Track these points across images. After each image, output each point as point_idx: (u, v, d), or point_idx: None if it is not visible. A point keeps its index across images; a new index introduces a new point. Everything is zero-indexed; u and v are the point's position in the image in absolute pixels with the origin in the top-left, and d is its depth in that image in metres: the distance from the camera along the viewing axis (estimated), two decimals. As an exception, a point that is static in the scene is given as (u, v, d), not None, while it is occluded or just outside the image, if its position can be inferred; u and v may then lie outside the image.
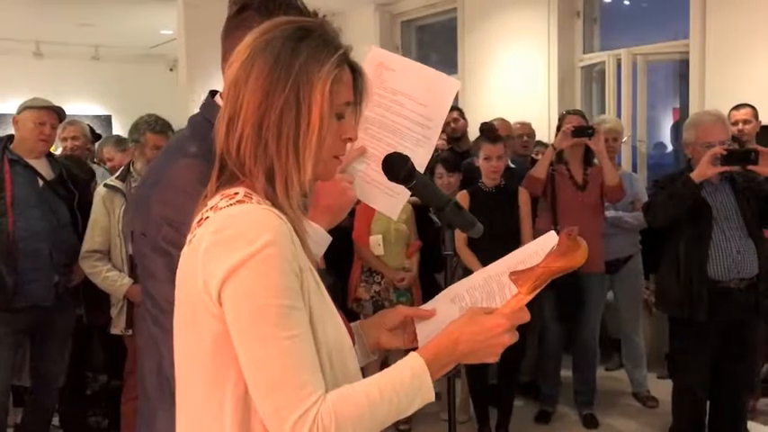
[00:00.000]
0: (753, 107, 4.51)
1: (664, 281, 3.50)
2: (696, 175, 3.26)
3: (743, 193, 3.41)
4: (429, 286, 4.22)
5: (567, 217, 4.12)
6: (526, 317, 1.19)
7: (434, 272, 4.41)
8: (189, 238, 1.14)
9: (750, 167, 3.21)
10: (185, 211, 1.27)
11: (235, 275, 1.02)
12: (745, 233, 3.35)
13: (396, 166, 1.41)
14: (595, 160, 4.27)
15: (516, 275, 1.21)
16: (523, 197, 4.06)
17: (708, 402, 3.53)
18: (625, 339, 4.69)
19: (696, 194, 3.30)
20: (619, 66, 5.98)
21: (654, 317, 4.94)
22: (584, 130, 4.11)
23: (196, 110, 1.54)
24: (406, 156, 1.41)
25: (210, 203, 1.13)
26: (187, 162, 1.41)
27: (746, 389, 3.62)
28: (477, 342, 1.16)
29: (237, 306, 1.03)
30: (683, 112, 6.23)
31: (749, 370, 3.54)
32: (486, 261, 4.41)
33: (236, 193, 1.11)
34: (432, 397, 1.13)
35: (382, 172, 1.53)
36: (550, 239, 1.26)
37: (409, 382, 1.10)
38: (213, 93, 1.53)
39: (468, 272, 4.03)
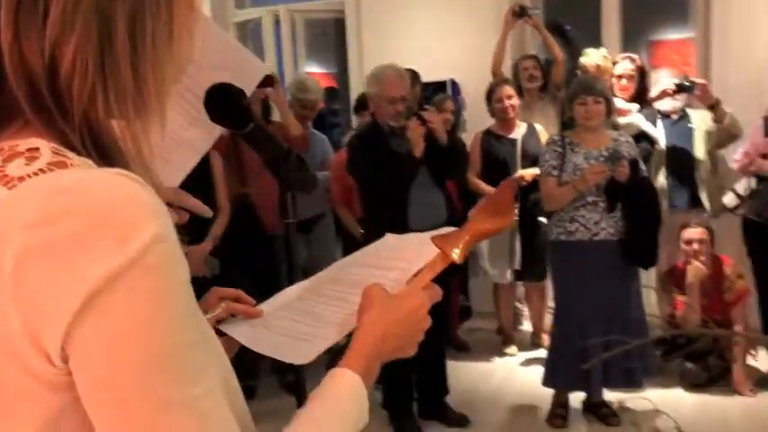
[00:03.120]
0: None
1: (367, 231, 3.54)
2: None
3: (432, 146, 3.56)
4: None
5: (253, 177, 3.96)
6: (440, 292, 0.92)
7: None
8: None
9: None
10: None
11: (98, 304, 0.57)
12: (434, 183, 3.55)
13: (224, 101, 1.03)
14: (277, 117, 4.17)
15: (441, 241, 0.95)
16: (216, 161, 3.78)
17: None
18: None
19: None
20: (276, 23, 5.90)
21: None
22: (264, 82, 3.94)
23: None
24: (241, 89, 1.05)
25: None
26: None
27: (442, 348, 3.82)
28: (404, 331, 0.88)
29: (112, 357, 0.58)
30: (340, 72, 6.39)
31: (444, 331, 3.79)
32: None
33: (36, 150, 0.63)
34: (367, 418, 0.83)
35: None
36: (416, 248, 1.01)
37: (350, 408, 0.80)
38: None
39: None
